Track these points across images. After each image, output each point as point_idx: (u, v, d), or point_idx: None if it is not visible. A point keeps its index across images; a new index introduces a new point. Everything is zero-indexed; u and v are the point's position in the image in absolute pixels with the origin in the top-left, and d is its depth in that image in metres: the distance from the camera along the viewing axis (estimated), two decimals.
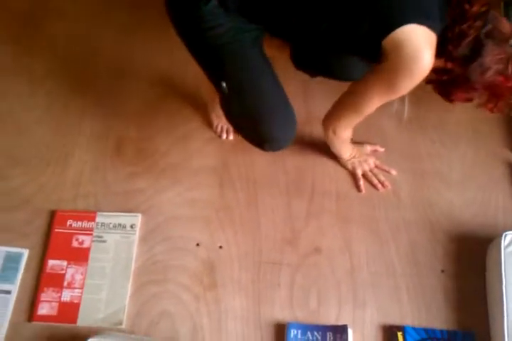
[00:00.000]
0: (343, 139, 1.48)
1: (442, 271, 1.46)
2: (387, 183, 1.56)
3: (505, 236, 1.41)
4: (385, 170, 1.58)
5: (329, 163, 1.61)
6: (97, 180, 1.56)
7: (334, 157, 1.60)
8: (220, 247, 1.48)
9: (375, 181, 1.56)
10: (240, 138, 1.52)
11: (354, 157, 1.56)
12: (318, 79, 1.44)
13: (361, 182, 1.56)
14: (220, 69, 1.24)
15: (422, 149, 1.65)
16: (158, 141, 1.63)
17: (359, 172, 1.56)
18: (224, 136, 1.62)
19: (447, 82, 1.17)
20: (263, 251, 1.48)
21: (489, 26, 1.09)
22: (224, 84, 1.23)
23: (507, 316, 1.31)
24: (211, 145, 1.63)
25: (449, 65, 1.14)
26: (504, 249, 1.39)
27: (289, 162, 1.61)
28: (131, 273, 1.42)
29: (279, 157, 1.61)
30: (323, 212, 1.54)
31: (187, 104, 1.69)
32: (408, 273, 1.46)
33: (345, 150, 1.54)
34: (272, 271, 1.45)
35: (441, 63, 1.14)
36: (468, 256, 1.48)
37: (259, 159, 1.61)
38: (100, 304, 1.38)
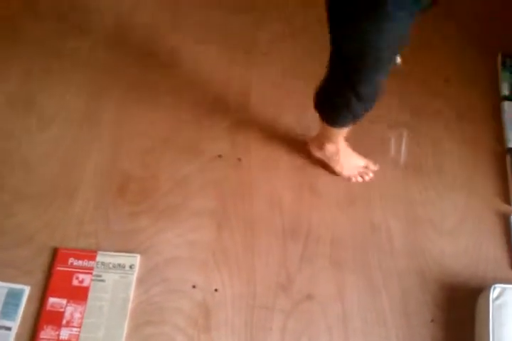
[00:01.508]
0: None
1: (432, 321, 1.49)
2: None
3: (494, 288, 1.44)
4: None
5: (326, 209, 1.65)
6: (99, 219, 1.60)
7: (331, 203, 1.65)
8: (216, 290, 1.52)
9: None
10: (239, 179, 1.63)
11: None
12: None
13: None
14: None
15: (416, 196, 1.69)
16: (161, 180, 1.68)
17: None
18: (362, 179, 1.71)
19: None
20: (257, 294, 1.52)
21: None
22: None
23: None
24: (211, 188, 1.68)
25: None
26: (492, 302, 1.42)
27: (286, 205, 1.66)
28: (127, 313, 1.46)
29: (277, 200, 1.65)
30: (318, 257, 1.58)
31: (189, 145, 1.74)
32: (398, 322, 1.49)
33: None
34: (265, 315, 1.49)
35: None
36: (458, 306, 1.51)
37: (257, 202, 1.66)
38: None
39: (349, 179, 1.69)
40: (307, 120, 1.76)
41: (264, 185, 1.69)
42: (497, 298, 1.43)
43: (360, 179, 1.69)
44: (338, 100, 1.36)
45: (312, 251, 1.59)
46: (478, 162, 1.76)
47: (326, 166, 1.70)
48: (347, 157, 1.66)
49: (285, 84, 1.88)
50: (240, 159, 1.73)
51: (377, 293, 1.53)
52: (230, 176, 1.70)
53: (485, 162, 1.76)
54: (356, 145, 1.70)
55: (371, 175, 1.69)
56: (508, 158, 1.74)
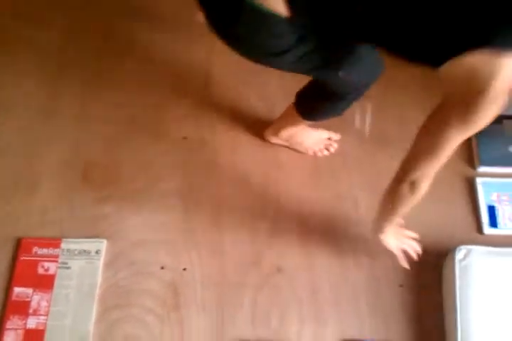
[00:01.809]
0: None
1: (401, 286, 1.50)
2: (418, 248, 1.45)
3: (460, 250, 1.45)
4: (416, 238, 1.47)
5: (293, 184, 1.65)
6: (64, 207, 1.59)
7: (298, 178, 1.64)
8: (184, 269, 1.51)
9: (414, 255, 1.44)
10: (205, 159, 1.64)
11: (391, 234, 1.39)
12: None
13: (403, 258, 1.42)
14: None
15: (382, 165, 1.68)
16: (125, 166, 1.66)
17: (401, 248, 1.42)
18: (328, 152, 1.68)
19: None
20: (226, 271, 1.51)
21: None
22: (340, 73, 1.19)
23: (460, 329, 1.35)
24: (177, 170, 1.66)
25: None
26: (458, 263, 1.43)
27: (253, 183, 1.65)
28: (95, 298, 1.45)
29: (243, 178, 1.65)
30: (286, 231, 1.58)
31: (153, 128, 1.73)
32: (368, 288, 1.49)
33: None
34: (235, 291, 1.49)
35: None
36: (426, 271, 1.51)
37: (224, 181, 1.65)
38: (65, 330, 1.41)
39: (315, 155, 1.68)
40: (270, 97, 1.77)
41: (230, 164, 1.68)
42: (463, 259, 1.44)
43: (326, 152, 1.69)
44: (322, 104, 1.39)
45: (281, 226, 1.59)
46: None
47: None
48: (307, 135, 1.65)
49: (247, 63, 1.86)
50: (205, 140, 1.72)
51: (345, 261, 1.53)
52: (196, 157, 1.69)
53: None
54: None
55: (335, 145, 1.69)
56: None
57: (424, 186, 1.13)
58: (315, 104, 1.44)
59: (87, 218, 1.58)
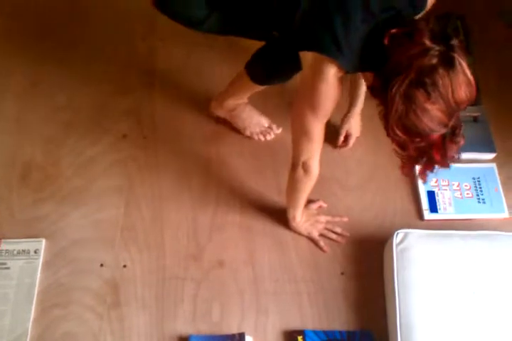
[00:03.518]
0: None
1: (342, 274, 1.50)
2: (344, 232, 1.55)
3: (397, 234, 1.46)
4: (337, 222, 1.57)
5: (233, 177, 1.65)
6: (2, 209, 1.58)
7: (239, 171, 1.65)
8: (124, 266, 1.50)
9: (334, 236, 1.54)
10: (145, 156, 1.66)
11: (305, 221, 1.53)
12: None
13: (321, 242, 1.53)
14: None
15: (322, 156, 1.68)
16: (64, 165, 1.66)
17: (316, 235, 1.53)
18: (263, 138, 1.71)
19: None
20: (167, 267, 1.50)
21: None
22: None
23: (399, 313, 1.35)
24: (116, 167, 1.66)
25: None
26: (396, 247, 1.44)
27: (194, 177, 1.65)
28: (34, 297, 1.44)
29: (184, 173, 1.65)
30: (227, 224, 1.58)
31: (93, 127, 1.73)
32: (309, 277, 1.49)
33: (300, 215, 1.51)
34: (176, 286, 1.48)
35: None
36: (366, 258, 1.52)
37: (165, 177, 1.65)
38: (3, 330, 1.39)
39: (251, 136, 1.70)
40: (212, 88, 1.76)
41: (170, 160, 1.69)
42: (400, 242, 1.44)
43: (262, 138, 1.71)
44: (271, 64, 1.41)
45: (222, 220, 1.59)
46: None
47: (228, 125, 1.72)
48: (249, 114, 1.68)
49: (190, 63, 1.88)
50: (145, 137, 1.72)
51: (286, 252, 1.53)
52: (136, 154, 1.69)
53: None
54: (265, 109, 1.72)
55: (273, 135, 1.71)
56: None
57: (315, 167, 1.31)
58: (265, 63, 1.44)
59: (26, 218, 1.57)
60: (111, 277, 1.48)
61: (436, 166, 1.07)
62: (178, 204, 1.61)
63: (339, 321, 1.43)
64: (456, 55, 0.96)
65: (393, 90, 0.97)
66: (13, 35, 1.94)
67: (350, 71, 1.12)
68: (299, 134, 1.24)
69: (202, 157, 1.69)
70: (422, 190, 1.62)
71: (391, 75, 0.98)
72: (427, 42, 0.96)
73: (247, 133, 1.70)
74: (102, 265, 1.50)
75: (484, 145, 1.69)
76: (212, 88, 1.74)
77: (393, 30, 1.01)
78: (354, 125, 1.67)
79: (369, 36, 1.06)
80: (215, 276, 1.49)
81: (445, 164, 1.06)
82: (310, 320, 1.43)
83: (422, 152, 1.04)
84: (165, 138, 1.72)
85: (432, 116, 0.98)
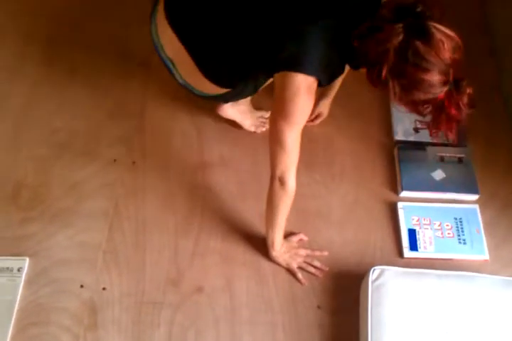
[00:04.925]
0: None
1: (318, 307, 1.51)
2: (323, 267, 1.56)
3: (374, 270, 1.48)
4: (317, 256, 1.58)
5: (218, 204, 1.68)
6: None
7: (224, 198, 1.68)
8: (104, 289, 1.52)
9: (313, 270, 1.55)
10: (133, 181, 1.70)
11: (284, 252, 1.55)
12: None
13: (299, 274, 1.54)
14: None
15: (306, 189, 1.72)
16: (54, 187, 1.70)
17: (294, 266, 1.54)
18: (261, 129, 1.82)
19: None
20: (146, 291, 1.52)
21: None
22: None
23: None
24: (104, 190, 1.70)
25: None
26: (372, 283, 1.45)
27: (178, 204, 1.68)
28: (13, 315, 1.46)
29: (170, 199, 1.68)
30: (209, 251, 1.60)
31: (85, 150, 1.78)
32: (286, 309, 1.51)
33: (279, 243, 1.52)
34: (153, 311, 1.49)
35: None
36: (344, 293, 1.53)
37: (150, 202, 1.68)
38: None
39: (256, 129, 1.82)
40: (202, 125, 1.85)
41: (157, 186, 1.72)
42: (376, 279, 1.46)
43: (263, 129, 1.82)
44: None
45: (203, 247, 1.61)
46: (368, 154, 1.81)
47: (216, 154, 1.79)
48: (253, 111, 1.81)
49: (180, 92, 1.93)
50: (134, 162, 1.76)
51: (265, 282, 1.55)
52: (124, 179, 1.73)
53: (374, 154, 1.81)
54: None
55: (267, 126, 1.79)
56: (395, 150, 1.80)
57: (291, 181, 1.33)
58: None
59: (11, 237, 1.60)
60: (89, 299, 1.50)
61: (457, 120, 1.13)
62: (161, 229, 1.64)
63: None
64: (422, 21, 1.03)
65: (383, 76, 1.07)
66: (14, 58, 2.01)
67: (323, 82, 1.21)
68: (274, 144, 1.28)
69: (188, 183, 1.73)
70: (404, 227, 1.64)
71: (377, 65, 1.08)
72: (389, 24, 1.05)
73: (252, 129, 1.81)
74: (82, 286, 1.52)
75: (468, 186, 1.72)
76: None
77: (356, 31, 1.12)
78: (324, 108, 1.80)
79: (336, 45, 1.17)
80: (193, 302, 1.51)
81: (462, 116, 1.11)
82: None
83: (439, 110, 1.11)
84: (153, 164, 1.77)
85: (430, 83, 1.06)
